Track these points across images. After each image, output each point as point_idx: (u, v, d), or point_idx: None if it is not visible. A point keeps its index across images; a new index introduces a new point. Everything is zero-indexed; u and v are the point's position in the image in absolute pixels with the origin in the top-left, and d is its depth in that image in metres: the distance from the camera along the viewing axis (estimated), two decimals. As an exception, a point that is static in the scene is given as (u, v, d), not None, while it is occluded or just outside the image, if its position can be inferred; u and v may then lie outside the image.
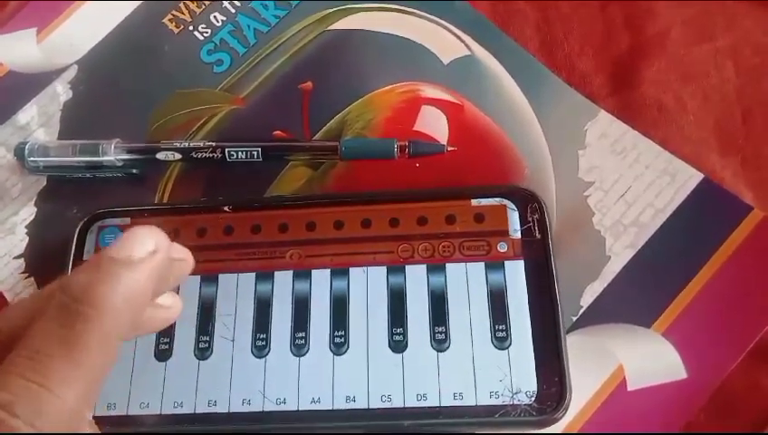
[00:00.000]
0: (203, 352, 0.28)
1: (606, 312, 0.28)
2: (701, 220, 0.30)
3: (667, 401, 0.27)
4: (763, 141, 0.32)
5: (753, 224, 0.29)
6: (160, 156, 0.32)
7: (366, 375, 0.27)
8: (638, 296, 0.29)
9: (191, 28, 0.36)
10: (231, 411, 0.27)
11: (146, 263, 0.17)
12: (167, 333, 0.28)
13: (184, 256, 0.21)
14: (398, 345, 0.27)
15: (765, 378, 0.28)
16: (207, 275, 0.29)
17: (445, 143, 0.32)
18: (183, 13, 0.37)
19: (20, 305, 0.19)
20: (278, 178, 0.32)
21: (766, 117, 0.32)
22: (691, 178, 0.30)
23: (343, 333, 0.28)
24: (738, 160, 0.31)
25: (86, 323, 0.16)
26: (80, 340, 0.16)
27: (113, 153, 0.32)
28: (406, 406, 0.26)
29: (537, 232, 0.29)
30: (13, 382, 0.15)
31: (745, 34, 0.33)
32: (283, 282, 0.29)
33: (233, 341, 0.28)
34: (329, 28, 0.35)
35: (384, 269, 0.29)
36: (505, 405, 0.26)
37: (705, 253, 0.29)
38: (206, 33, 0.36)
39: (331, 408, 0.27)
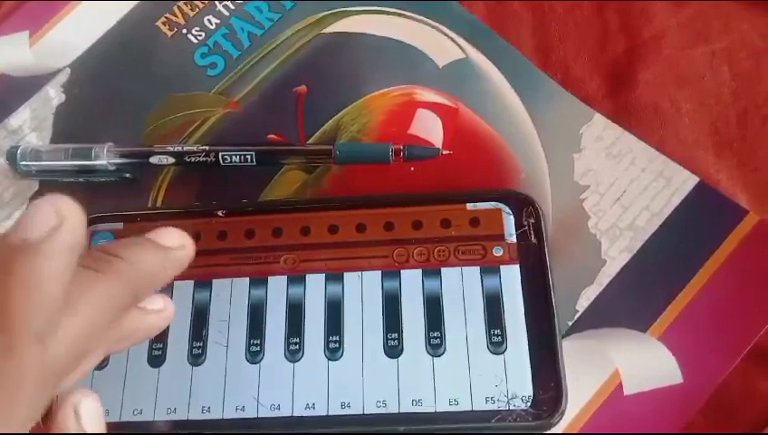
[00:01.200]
0: (196, 357, 0.28)
1: (602, 316, 0.28)
2: (697, 224, 0.29)
3: (663, 405, 0.27)
4: (759, 144, 0.32)
5: (749, 227, 0.29)
6: (153, 160, 0.32)
7: (361, 381, 0.27)
8: (634, 300, 0.28)
9: (185, 31, 0.36)
10: (225, 418, 0.27)
11: (48, 241, 0.15)
12: (160, 339, 0.28)
13: (183, 243, 0.19)
14: (393, 350, 0.27)
15: (762, 381, 0.28)
16: (201, 280, 0.29)
17: (440, 147, 0.32)
18: (176, 16, 0.36)
19: None
20: (272, 182, 0.32)
21: (762, 119, 0.32)
22: (686, 181, 0.30)
23: (338, 338, 0.27)
24: (734, 163, 0.31)
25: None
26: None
27: (106, 157, 0.32)
28: (401, 412, 0.26)
29: (533, 236, 0.28)
30: None
31: (741, 37, 0.33)
32: (278, 287, 0.29)
33: (227, 346, 0.28)
34: (323, 31, 0.35)
35: (379, 274, 0.28)
36: (501, 410, 0.26)
37: (701, 256, 0.29)
38: (200, 36, 0.36)
39: (325, 414, 0.26)
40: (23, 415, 0.14)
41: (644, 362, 0.27)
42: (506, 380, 0.26)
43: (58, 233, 0.15)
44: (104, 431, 0.18)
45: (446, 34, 0.34)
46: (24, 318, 0.14)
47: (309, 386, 0.27)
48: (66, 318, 0.15)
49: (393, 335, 0.27)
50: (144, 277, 0.18)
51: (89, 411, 0.17)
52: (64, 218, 0.15)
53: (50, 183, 0.33)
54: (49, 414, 0.16)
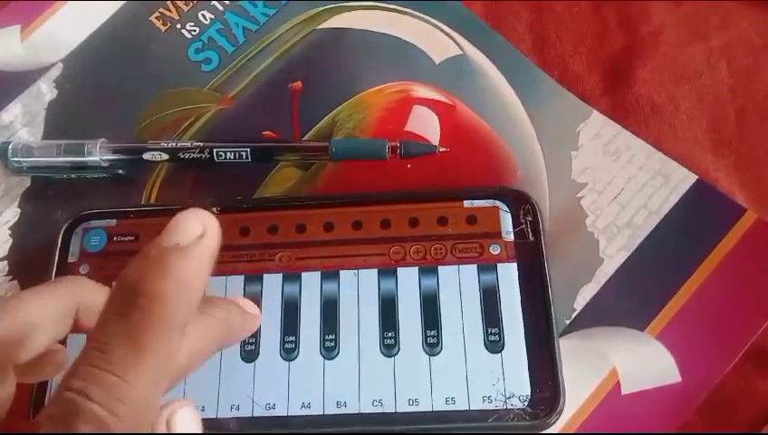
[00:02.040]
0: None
1: (599, 315, 0.28)
2: (695, 222, 0.29)
3: (661, 404, 0.27)
4: (757, 142, 0.31)
5: (747, 225, 0.29)
6: (147, 156, 0.32)
7: (357, 380, 0.27)
8: (631, 299, 0.28)
9: (179, 26, 0.36)
10: (219, 417, 0.26)
11: (194, 248, 0.17)
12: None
13: (257, 313, 0.23)
14: (389, 349, 0.27)
15: (760, 381, 0.28)
16: (195, 278, 0.29)
17: (437, 144, 0.31)
18: (170, 11, 0.36)
19: (37, 297, 0.20)
20: (267, 179, 0.32)
21: (760, 117, 0.32)
22: (684, 179, 0.30)
23: (334, 336, 0.27)
24: (732, 161, 0.31)
25: (143, 313, 0.16)
26: (143, 330, 0.16)
27: (99, 153, 0.32)
28: (397, 411, 0.26)
29: (530, 234, 0.28)
30: (84, 370, 0.16)
31: (739, 34, 0.33)
32: (273, 285, 0.28)
33: (221, 345, 0.28)
34: (319, 27, 0.35)
35: (375, 272, 0.28)
36: (498, 410, 0.26)
37: (699, 255, 0.29)
38: (194, 31, 0.35)
39: (321, 413, 0.26)
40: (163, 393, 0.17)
41: (642, 362, 0.27)
42: (503, 379, 0.26)
43: (203, 240, 0.18)
44: None
45: (442, 31, 0.34)
46: (177, 310, 0.17)
47: (304, 385, 0.27)
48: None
49: (389, 334, 0.27)
50: (232, 327, 0.22)
51: (183, 422, 0.19)
52: (207, 228, 0.18)
53: (42, 179, 0.33)
54: None
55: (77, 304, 0.21)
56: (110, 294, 0.17)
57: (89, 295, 0.21)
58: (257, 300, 0.28)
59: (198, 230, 0.18)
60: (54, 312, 0.20)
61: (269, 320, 0.28)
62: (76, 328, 0.21)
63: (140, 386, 0.16)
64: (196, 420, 0.19)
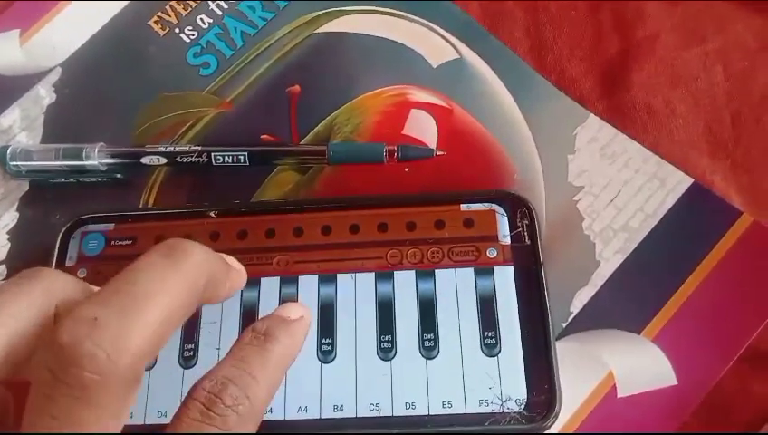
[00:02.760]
0: (188, 360, 0.28)
1: (596, 318, 0.28)
2: (691, 225, 0.29)
3: (657, 407, 0.27)
4: (753, 145, 0.32)
5: (743, 228, 0.29)
6: (145, 160, 0.32)
7: (354, 383, 0.27)
8: (627, 302, 0.28)
9: (177, 30, 0.36)
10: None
11: (301, 322, 0.23)
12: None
13: (240, 268, 0.24)
14: (386, 353, 0.27)
15: (756, 383, 0.28)
16: (193, 282, 0.29)
17: (434, 147, 0.31)
18: (169, 15, 0.36)
19: (12, 305, 0.19)
20: (265, 183, 0.32)
21: (756, 121, 0.32)
22: (680, 182, 0.30)
23: (331, 340, 0.27)
24: (728, 165, 0.31)
25: (273, 350, 0.22)
26: (269, 356, 0.21)
27: (97, 157, 0.32)
28: (394, 415, 0.26)
29: (527, 237, 0.28)
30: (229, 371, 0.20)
31: (735, 38, 0.33)
32: (270, 288, 0.28)
33: (218, 349, 0.28)
34: (317, 31, 0.35)
35: (372, 275, 0.28)
36: (495, 413, 0.26)
37: (695, 258, 0.29)
38: (193, 35, 0.36)
39: (318, 417, 0.26)
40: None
41: (638, 364, 0.27)
42: (500, 382, 0.26)
43: (303, 320, 0.23)
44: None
45: (440, 35, 0.34)
46: (289, 356, 0.22)
47: (301, 389, 0.27)
48: None
49: (386, 337, 0.27)
50: (211, 277, 0.22)
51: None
52: (306, 313, 0.23)
53: (40, 183, 0.33)
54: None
55: (55, 303, 0.20)
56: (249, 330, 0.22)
57: (65, 291, 0.20)
58: (254, 304, 0.28)
59: (300, 313, 0.23)
60: (34, 317, 0.19)
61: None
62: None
63: (264, 386, 0.20)
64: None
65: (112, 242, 0.30)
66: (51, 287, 0.20)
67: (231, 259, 0.23)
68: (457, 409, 0.26)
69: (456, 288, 0.28)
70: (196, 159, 0.31)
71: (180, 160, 0.31)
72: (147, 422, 0.27)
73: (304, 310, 0.24)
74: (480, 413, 0.26)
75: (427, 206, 0.29)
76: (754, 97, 0.32)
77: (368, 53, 0.34)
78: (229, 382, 0.20)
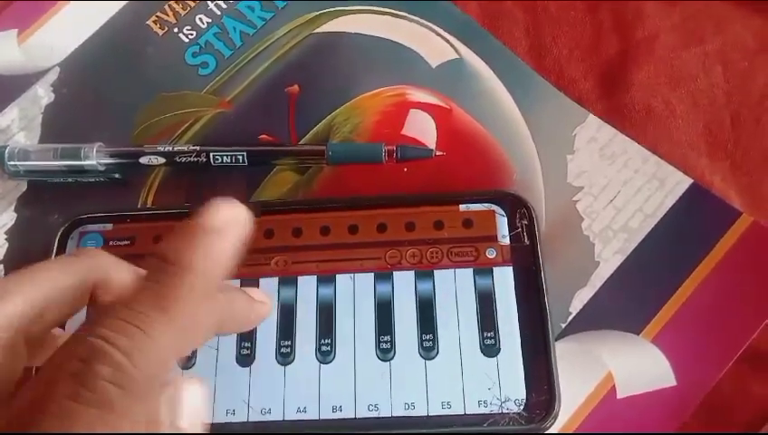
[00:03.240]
0: (187, 360, 0.28)
1: (595, 318, 0.28)
2: (690, 226, 0.29)
3: (656, 408, 0.27)
4: (752, 146, 0.31)
5: (742, 229, 0.29)
6: (143, 160, 0.32)
7: (353, 384, 0.27)
8: (627, 303, 0.28)
9: (176, 30, 0.36)
10: (215, 422, 0.26)
11: (228, 231, 0.19)
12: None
13: (266, 300, 0.23)
14: (385, 353, 0.27)
15: (755, 384, 0.28)
16: (191, 282, 0.29)
17: (433, 148, 0.31)
18: (167, 14, 0.36)
19: (52, 272, 0.20)
20: (264, 183, 0.32)
21: (755, 121, 0.32)
22: (680, 183, 0.30)
23: (330, 341, 0.27)
24: (727, 165, 0.31)
25: (175, 279, 0.18)
26: (170, 292, 0.18)
27: (95, 157, 0.32)
28: (393, 415, 0.26)
29: (526, 238, 0.28)
30: (111, 322, 0.17)
31: (734, 38, 0.33)
32: (269, 289, 0.28)
33: (217, 350, 0.28)
34: (316, 31, 0.35)
35: (371, 276, 0.28)
36: (494, 414, 0.26)
37: (695, 258, 0.29)
38: (192, 35, 0.35)
39: (317, 418, 0.26)
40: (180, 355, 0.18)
41: (637, 365, 0.27)
42: (499, 383, 0.26)
43: (235, 228, 0.20)
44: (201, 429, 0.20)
45: (439, 35, 0.34)
46: (203, 281, 0.18)
47: (300, 389, 0.27)
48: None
49: (385, 338, 0.27)
50: (233, 313, 0.22)
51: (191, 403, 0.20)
52: (239, 220, 0.20)
53: (38, 183, 0.33)
54: None
55: (94, 280, 0.21)
56: (145, 263, 0.19)
57: (107, 270, 0.21)
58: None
59: (231, 218, 0.20)
60: (69, 288, 0.20)
61: (265, 324, 0.28)
62: (90, 303, 0.21)
63: (161, 342, 0.17)
64: (203, 397, 0.20)
65: (111, 242, 0.30)
66: (93, 264, 0.21)
67: (255, 292, 0.23)
68: (456, 409, 0.26)
69: (455, 289, 0.28)
70: (195, 159, 0.31)
71: (179, 160, 0.31)
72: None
73: (239, 212, 0.20)
74: (479, 414, 0.26)
75: (426, 206, 0.29)
76: (754, 97, 0.32)
77: (367, 53, 0.34)
78: (105, 343, 0.16)
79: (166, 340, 0.17)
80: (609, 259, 0.29)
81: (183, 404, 0.19)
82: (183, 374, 0.27)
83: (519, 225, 0.28)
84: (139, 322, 0.17)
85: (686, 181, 0.30)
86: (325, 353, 0.27)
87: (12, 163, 0.32)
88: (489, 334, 0.27)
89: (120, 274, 0.21)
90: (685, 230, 0.29)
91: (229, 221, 0.20)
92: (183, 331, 0.18)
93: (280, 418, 0.26)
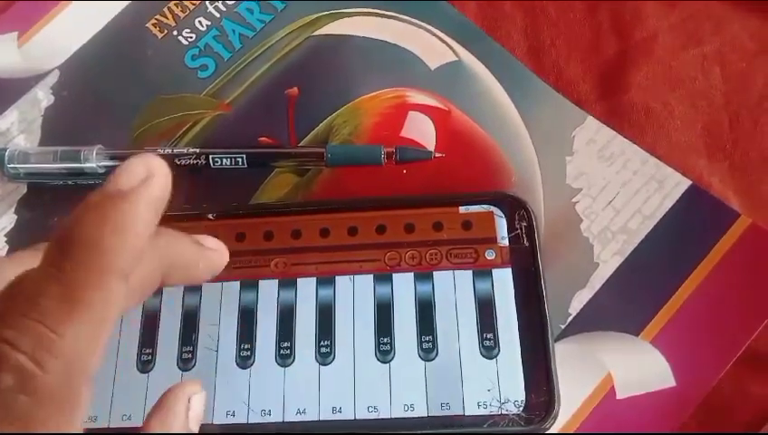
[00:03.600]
0: (186, 362, 0.28)
1: (594, 320, 0.28)
2: (689, 227, 0.29)
3: (656, 409, 0.27)
4: (751, 147, 0.32)
5: (741, 230, 0.29)
6: (143, 163, 0.32)
7: (352, 385, 0.27)
8: (626, 304, 0.28)
9: (175, 33, 0.36)
10: (215, 423, 0.26)
11: (136, 191, 0.16)
12: (149, 344, 0.28)
13: (219, 247, 0.21)
14: (384, 355, 0.27)
15: (755, 385, 0.28)
16: (190, 285, 0.29)
17: (432, 150, 0.31)
18: (167, 17, 0.36)
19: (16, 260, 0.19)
20: (263, 186, 0.32)
21: (754, 122, 0.32)
22: (679, 184, 0.30)
23: (329, 342, 0.27)
24: (726, 166, 0.31)
25: (76, 262, 0.15)
26: (72, 279, 0.15)
27: (95, 160, 0.32)
28: (392, 417, 0.26)
29: (525, 239, 0.28)
30: (14, 320, 0.15)
31: (732, 39, 0.33)
32: (268, 291, 0.28)
33: (217, 351, 0.28)
34: (315, 33, 0.35)
35: (371, 277, 0.28)
36: (493, 415, 0.26)
37: (693, 260, 0.29)
38: (191, 37, 0.36)
39: (316, 419, 0.26)
40: (104, 345, 0.16)
41: (637, 367, 0.27)
42: (498, 384, 0.26)
43: (147, 185, 0.17)
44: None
45: (438, 37, 0.34)
46: (115, 257, 0.16)
47: (300, 391, 0.27)
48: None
49: (385, 340, 0.27)
50: (176, 259, 0.20)
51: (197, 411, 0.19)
52: (152, 174, 0.17)
53: (38, 186, 0.33)
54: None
55: (167, 266, 0.20)
56: (48, 246, 0.16)
57: (181, 255, 0.20)
58: (253, 306, 0.28)
59: (142, 174, 0.17)
60: (149, 282, 0.19)
61: (264, 326, 0.28)
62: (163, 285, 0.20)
63: (71, 338, 0.15)
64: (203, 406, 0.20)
65: (110, 244, 0.30)
66: (168, 246, 0.20)
67: (206, 238, 0.21)
68: (455, 411, 0.26)
69: (454, 290, 0.28)
70: (195, 162, 0.31)
71: (178, 163, 0.31)
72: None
73: (152, 166, 0.17)
74: (478, 415, 0.26)
75: (425, 208, 0.29)
76: (752, 98, 0.32)
77: (365, 56, 0.34)
78: (7, 347, 0.15)
79: (76, 335, 0.15)
80: (609, 260, 0.29)
81: (191, 413, 0.19)
82: (182, 376, 0.27)
83: (518, 226, 0.29)
84: (45, 318, 0.15)
85: (685, 183, 0.30)
86: (325, 355, 0.27)
87: (12, 166, 0.32)
88: (488, 336, 0.27)
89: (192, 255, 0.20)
90: (683, 232, 0.29)
91: (138, 180, 0.17)
92: (99, 320, 0.16)
93: (280, 419, 0.26)
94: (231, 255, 0.29)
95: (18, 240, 0.32)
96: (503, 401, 0.26)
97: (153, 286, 0.19)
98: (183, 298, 0.29)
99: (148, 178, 0.17)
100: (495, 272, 0.28)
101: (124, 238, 0.16)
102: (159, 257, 0.19)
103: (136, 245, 0.16)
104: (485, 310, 0.27)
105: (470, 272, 0.28)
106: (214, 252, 0.21)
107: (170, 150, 0.32)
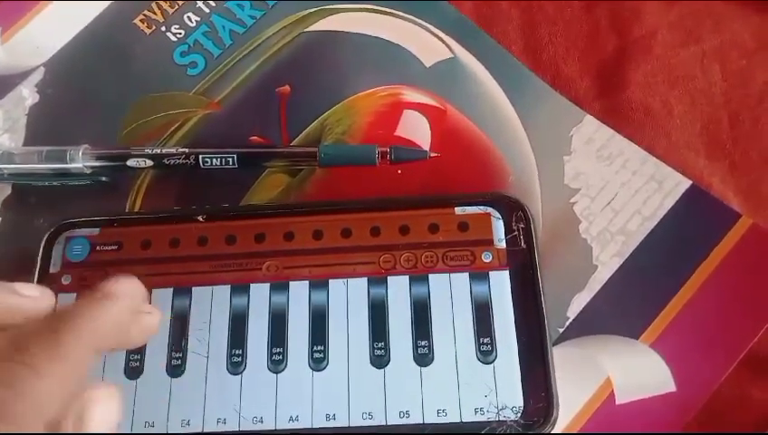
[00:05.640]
0: (176, 368, 0.27)
1: (593, 323, 0.28)
2: (689, 228, 0.29)
3: (656, 414, 0.26)
4: (751, 146, 0.31)
5: (742, 231, 0.29)
6: (131, 163, 0.31)
7: (346, 392, 0.26)
8: (625, 307, 0.28)
9: (164, 29, 0.35)
10: (205, 431, 0.26)
11: (121, 299, 0.21)
12: (137, 350, 0.27)
13: (149, 310, 0.23)
14: (379, 360, 0.26)
15: (756, 389, 0.27)
16: (180, 288, 0.28)
17: (427, 149, 0.31)
18: (155, 13, 0.35)
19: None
20: (254, 186, 0.31)
21: (754, 121, 0.31)
22: (678, 184, 0.30)
23: (323, 347, 0.27)
24: (726, 166, 0.31)
25: (67, 331, 0.19)
26: (61, 342, 0.19)
27: (81, 160, 0.31)
28: (388, 423, 0.25)
29: (522, 241, 0.28)
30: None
31: (732, 37, 0.33)
32: (260, 295, 0.28)
33: (207, 357, 0.27)
34: (307, 29, 0.34)
35: (365, 281, 0.28)
36: (491, 422, 0.25)
37: (694, 261, 0.28)
38: (180, 34, 0.35)
39: (310, 426, 0.26)
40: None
41: (636, 371, 0.27)
42: (496, 390, 0.26)
43: (127, 298, 0.21)
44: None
45: (433, 33, 0.34)
46: (93, 339, 0.19)
47: (292, 398, 0.26)
48: None
49: (380, 344, 0.27)
50: (109, 327, 0.21)
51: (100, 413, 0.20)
52: (135, 293, 0.22)
53: (23, 186, 0.32)
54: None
55: (100, 339, 0.21)
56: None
57: (112, 323, 0.21)
58: (244, 311, 0.27)
59: (126, 288, 0.21)
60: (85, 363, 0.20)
61: (256, 331, 0.27)
62: None
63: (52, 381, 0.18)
64: (112, 413, 0.20)
65: (97, 247, 0.29)
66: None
67: (146, 306, 0.23)
68: (452, 417, 0.25)
69: (450, 294, 0.27)
70: (184, 162, 0.30)
71: (167, 163, 0.31)
72: (133, 433, 0.26)
73: (135, 286, 0.22)
74: (476, 422, 0.25)
75: (420, 209, 0.29)
76: (752, 97, 0.32)
77: (359, 53, 0.33)
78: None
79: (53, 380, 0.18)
80: (607, 262, 0.29)
81: (91, 420, 0.19)
82: (172, 383, 0.27)
83: (515, 228, 0.28)
84: (30, 359, 0.18)
85: (685, 183, 0.30)
86: (318, 361, 0.27)
87: (-5, 166, 0.31)
88: (485, 340, 0.26)
89: None
90: (683, 233, 0.29)
91: (123, 291, 0.21)
92: (71, 376, 0.18)
93: (272, 427, 0.26)
94: (221, 257, 0.29)
95: (3, 242, 0.31)
96: (500, 407, 0.25)
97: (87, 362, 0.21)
98: (172, 302, 0.28)
99: (129, 294, 0.21)
100: (492, 275, 0.27)
101: (102, 325, 0.20)
102: (91, 341, 0.20)
103: (107, 338, 0.20)
104: (482, 314, 0.27)
105: (466, 275, 0.27)
106: (147, 315, 0.22)
107: (159, 150, 0.31)
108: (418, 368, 0.26)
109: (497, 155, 0.31)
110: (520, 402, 0.25)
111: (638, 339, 0.27)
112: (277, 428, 0.26)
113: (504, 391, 0.25)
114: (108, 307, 0.20)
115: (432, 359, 0.26)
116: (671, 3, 0.34)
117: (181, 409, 0.26)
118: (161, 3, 0.35)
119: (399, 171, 0.31)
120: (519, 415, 0.25)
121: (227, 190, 0.31)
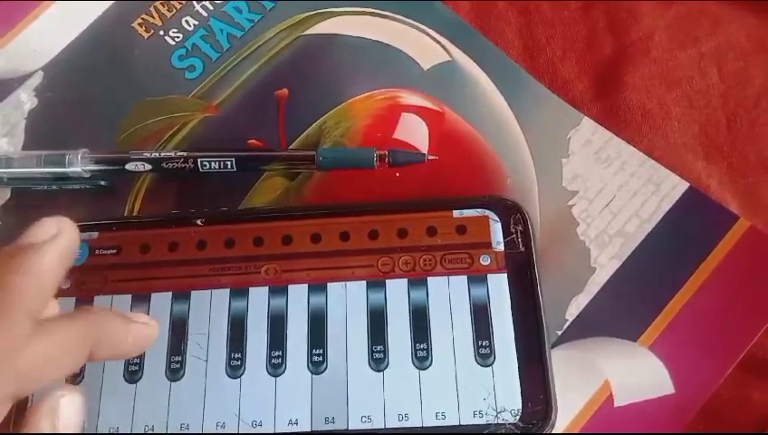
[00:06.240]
0: (175, 372, 0.27)
1: (591, 325, 0.28)
2: (687, 230, 0.29)
3: (654, 416, 0.26)
4: (749, 148, 0.31)
5: (740, 233, 0.29)
6: (130, 167, 0.31)
7: (345, 395, 0.26)
8: (623, 309, 0.28)
9: (162, 33, 0.35)
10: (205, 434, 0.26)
11: (47, 244, 0.20)
12: (136, 354, 0.27)
13: (149, 322, 0.22)
14: (378, 363, 0.26)
15: (755, 391, 0.27)
16: (179, 292, 0.28)
17: (425, 152, 0.31)
18: (153, 17, 0.35)
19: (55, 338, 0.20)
20: (253, 190, 0.31)
21: (751, 122, 0.31)
22: (676, 186, 0.30)
23: (321, 351, 0.27)
24: (723, 168, 0.31)
25: None
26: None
27: (80, 164, 0.31)
28: (387, 427, 0.25)
29: (521, 244, 0.28)
30: None
31: (729, 39, 0.33)
32: (259, 298, 0.28)
33: (206, 360, 0.27)
34: (305, 33, 0.34)
35: (363, 284, 0.28)
36: (490, 424, 0.25)
37: (692, 263, 0.28)
38: (178, 37, 0.35)
39: (309, 430, 0.26)
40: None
41: (635, 373, 0.27)
42: (494, 392, 0.26)
43: (56, 239, 0.20)
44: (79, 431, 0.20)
45: (431, 36, 0.34)
46: (21, 296, 0.19)
47: (292, 401, 0.26)
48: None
49: (378, 348, 0.27)
50: (105, 335, 0.21)
51: (67, 414, 0.20)
52: (62, 230, 0.20)
53: (22, 191, 0.32)
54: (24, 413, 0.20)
55: (94, 339, 0.21)
56: None
57: (109, 329, 0.21)
58: (243, 314, 0.27)
59: (53, 231, 0.20)
60: (73, 351, 0.20)
61: (255, 334, 0.27)
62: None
63: None
64: (78, 411, 0.20)
65: (96, 251, 0.29)
66: (95, 324, 0.21)
67: (137, 315, 0.22)
68: (451, 420, 0.25)
69: (448, 296, 0.27)
70: (182, 166, 0.31)
71: (166, 166, 0.31)
72: (133, 436, 0.26)
73: (62, 225, 0.21)
74: (474, 424, 0.25)
75: (418, 212, 0.29)
76: (750, 99, 0.32)
77: (357, 56, 0.34)
78: None
79: None
80: (606, 265, 0.29)
81: (61, 416, 0.19)
82: (171, 386, 0.27)
83: (514, 231, 0.28)
84: None
85: (683, 185, 0.30)
86: (317, 364, 0.27)
87: (-6, 171, 0.31)
88: (484, 343, 0.26)
89: (118, 331, 0.21)
90: (681, 235, 0.29)
91: (49, 235, 0.20)
92: (5, 356, 0.18)
93: (271, 430, 0.26)
94: (220, 261, 0.29)
95: (3, 246, 0.31)
96: (499, 409, 0.25)
97: (80, 361, 0.21)
98: (171, 306, 0.28)
99: (58, 235, 0.20)
100: (491, 277, 0.27)
101: (33, 283, 0.19)
102: (87, 334, 0.21)
103: (43, 290, 0.19)
104: (481, 316, 0.27)
105: (465, 278, 0.27)
106: (143, 325, 0.22)
107: (157, 154, 0.31)
108: (417, 371, 0.26)
109: (495, 158, 0.31)
110: (518, 405, 0.25)
111: (636, 341, 0.27)
112: (276, 431, 0.26)
113: (502, 393, 0.26)
114: (28, 260, 0.20)
115: (431, 362, 0.26)
116: (668, 5, 0.34)
117: (180, 412, 0.26)
118: (159, 7, 0.35)
119: (398, 174, 0.31)
120: (518, 417, 0.25)
121: (226, 194, 0.31)
